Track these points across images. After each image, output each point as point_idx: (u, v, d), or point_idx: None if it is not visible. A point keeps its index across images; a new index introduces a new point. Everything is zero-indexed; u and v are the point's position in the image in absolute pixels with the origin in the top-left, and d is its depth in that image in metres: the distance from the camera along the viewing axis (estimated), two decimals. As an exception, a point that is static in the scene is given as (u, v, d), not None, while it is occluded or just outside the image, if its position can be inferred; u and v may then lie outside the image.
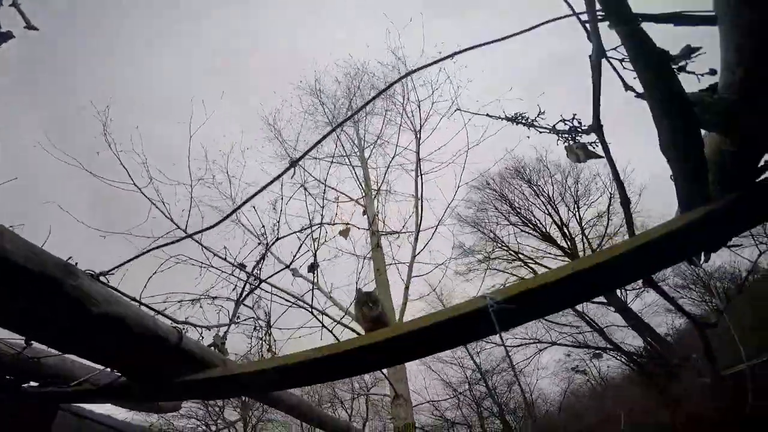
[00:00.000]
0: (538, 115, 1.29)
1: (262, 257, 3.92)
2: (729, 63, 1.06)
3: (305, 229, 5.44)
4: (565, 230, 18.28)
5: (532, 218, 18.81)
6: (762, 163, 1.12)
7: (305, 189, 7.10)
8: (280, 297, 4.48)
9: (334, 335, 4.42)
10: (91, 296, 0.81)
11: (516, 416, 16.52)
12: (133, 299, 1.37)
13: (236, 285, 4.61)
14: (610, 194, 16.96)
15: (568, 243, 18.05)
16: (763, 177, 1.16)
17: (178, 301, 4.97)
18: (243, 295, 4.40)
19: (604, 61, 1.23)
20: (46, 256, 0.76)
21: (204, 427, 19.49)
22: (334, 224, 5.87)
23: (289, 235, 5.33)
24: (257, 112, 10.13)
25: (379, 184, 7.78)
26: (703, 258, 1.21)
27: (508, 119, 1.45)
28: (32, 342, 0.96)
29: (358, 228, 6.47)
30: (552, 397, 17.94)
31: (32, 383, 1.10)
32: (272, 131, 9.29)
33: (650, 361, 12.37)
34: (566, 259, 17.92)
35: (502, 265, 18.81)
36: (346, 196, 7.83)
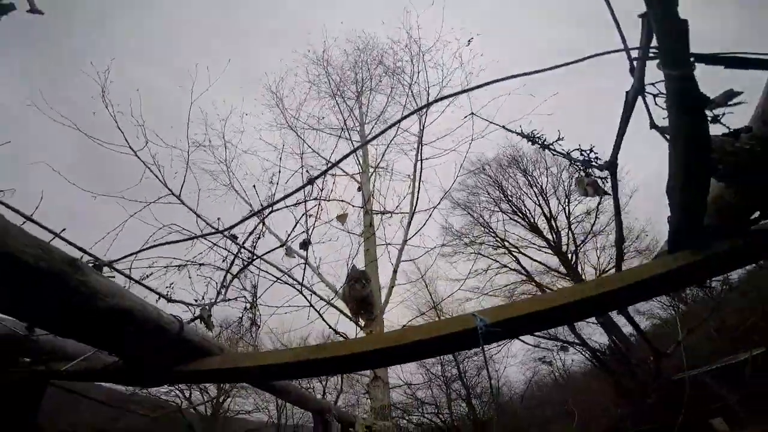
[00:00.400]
0: (557, 140, 1.29)
1: (259, 234, 3.91)
2: (765, 112, 1.06)
3: (300, 203, 5.42)
4: (553, 223, 18.67)
5: (523, 207, 19.15)
6: (756, 214, 1.16)
7: (302, 162, 7.02)
8: (269, 273, 4.51)
9: (320, 315, 4.51)
10: (98, 291, 0.81)
11: (482, 401, 17.38)
12: (139, 282, 1.40)
13: (225, 258, 4.62)
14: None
15: (554, 236, 18.47)
16: (757, 226, 1.21)
17: (164, 267, 4.96)
18: (233, 268, 4.41)
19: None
20: (54, 252, 0.75)
21: (178, 392, 19.94)
22: (329, 200, 5.86)
23: (283, 208, 5.31)
24: (260, 80, 9.77)
25: (377, 162, 7.71)
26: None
27: (524, 136, 1.44)
28: (35, 329, 0.97)
29: (353, 206, 6.47)
30: (517, 386, 18.92)
31: (24, 359, 1.12)
32: (274, 99, 9.00)
33: (612, 359, 13.08)
34: (549, 251, 18.39)
35: (487, 250, 19.24)
36: (343, 171, 7.76)
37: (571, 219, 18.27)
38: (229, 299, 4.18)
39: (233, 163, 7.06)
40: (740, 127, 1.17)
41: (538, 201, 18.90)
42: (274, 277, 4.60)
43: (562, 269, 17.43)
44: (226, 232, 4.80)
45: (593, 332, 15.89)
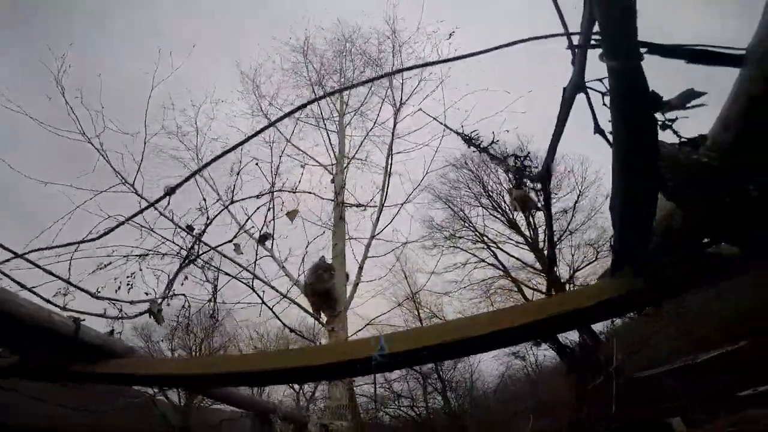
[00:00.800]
0: (492, 143, 1.12)
1: (201, 231, 3.65)
2: (730, 117, 0.89)
3: (262, 194, 5.15)
4: (531, 220, 18.87)
5: (503, 203, 19.24)
6: (706, 239, 1.02)
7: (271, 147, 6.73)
8: (220, 269, 4.27)
9: (274, 313, 4.31)
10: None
11: (457, 394, 17.58)
12: (31, 291, 1.49)
13: (179, 252, 4.33)
14: (579, 191, 17.46)
15: (531, 232, 18.67)
16: (711, 249, 1.08)
17: (124, 256, 4.64)
18: (186, 261, 4.14)
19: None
20: None
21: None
22: (295, 192, 5.60)
23: (246, 199, 5.03)
24: (238, 66, 9.33)
25: (352, 155, 7.48)
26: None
27: (462, 137, 1.27)
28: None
29: (322, 198, 6.24)
30: (490, 379, 19.21)
31: None
32: (249, 85, 8.58)
33: (579, 355, 13.35)
34: (526, 248, 18.60)
35: (466, 244, 19.31)
36: (315, 161, 7.50)
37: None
38: (176, 294, 3.93)
39: (203, 150, 6.71)
40: (697, 135, 1.02)
41: (518, 198, 19.07)
42: (228, 273, 4.36)
43: (537, 265, 17.67)
44: (181, 224, 4.52)
45: (566, 328, 16.16)
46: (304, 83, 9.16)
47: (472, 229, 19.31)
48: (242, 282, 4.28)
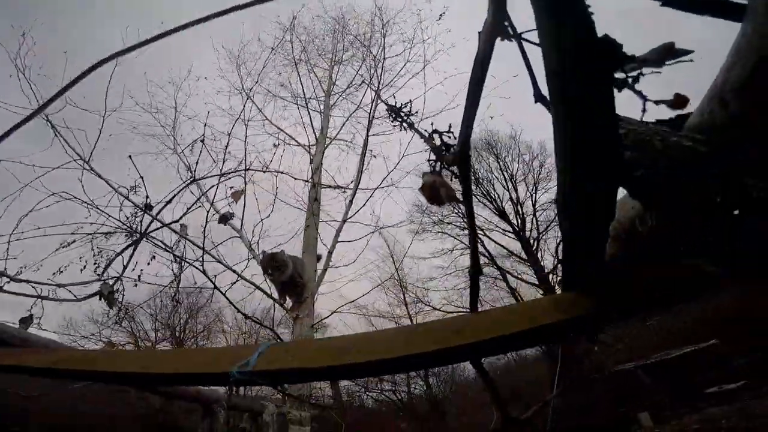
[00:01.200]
0: (409, 114, 0.86)
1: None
2: (726, 88, 0.65)
3: (230, 172, 4.82)
4: (519, 209, 18.86)
5: (492, 191, 19.16)
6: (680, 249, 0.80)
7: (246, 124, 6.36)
8: (183, 258, 3.98)
9: (227, 298, 4.07)
10: None
11: (438, 379, 17.84)
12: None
13: (133, 232, 4.02)
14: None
15: (519, 221, 18.69)
16: (679, 262, 0.85)
17: (88, 234, 4.31)
18: (135, 239, 3.84)
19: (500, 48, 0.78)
20: None
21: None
22: (265, 171, 5.29)
23: (210, 177, 4.71)
24: (221, 42, 8.79)
25: (331, 135, 7.15)
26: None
27: (389, 108, 1.01)
28: None
29: (294, 178, 5.95)
30: (469, 367, 19.54)
31: None
32: (233, 62, 8.08)
33: (559, 347, 13.57)
34: (513, 236, 18.62)
35: (454, 231, 19.29)
36: (294, 140, 7.16)
37: (537, 206, 18.52)
38: (126, 277, 3.65)
39: (179, 128, 6.34)
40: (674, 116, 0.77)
41: (507, 186, 18.96)
42: (184, 260, 4.08)
43: (523, 255, 17.74)
44: (140, 203, 4.20)
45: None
46: (289, 62, 8.70)
47: (460, 215, 19.25)
48: (191, 264, 4.01)
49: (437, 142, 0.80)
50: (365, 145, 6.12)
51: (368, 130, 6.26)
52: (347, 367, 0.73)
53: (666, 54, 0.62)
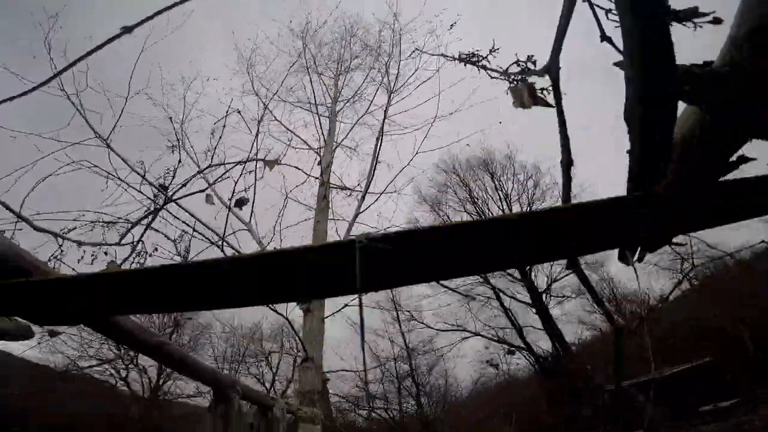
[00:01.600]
0: (491, 51, 1.00)
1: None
2: (739, 35, 0.80)
3: (242, 162, 4.92)
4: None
5: (487, 210, 19.43)
6: (734, 157, 0.92)
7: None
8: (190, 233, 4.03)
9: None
10: None
11: (430, 398, 17.50)
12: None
13: (148, 208, 4.06)
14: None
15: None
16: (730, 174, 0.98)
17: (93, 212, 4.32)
18: (149, 215, 3.88)
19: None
20: None
21: (113, 372, 18.61)
22: (279, 164, 5.40)
23: (224, 165, 4.79)
24: (236, 44, 9.07)
25: (340, 138, 7.33)
26: (637, 255, 1.01)
27: (460, 59, 1.15)
28: None
29: (306, 174, 6.06)
30: (464, 385, 19.26)
31: None
32: (244, 63, 8.30)
33: (553, 363, 13.52)
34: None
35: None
36: (303, 141, 7.31)
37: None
38: (139, 253, 3.66)
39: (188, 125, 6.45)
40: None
41: (502, 206, 19.26)
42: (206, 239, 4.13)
43: (517, 274, 17.84)
44: (155, 182, 4.25)
45: (539, 338, 16.40)
46: (301, 69, 8.95)
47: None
48: (207, 239, 4.04)
49: (514, 69, 0.93)
50: (378, 144, 6.28)
51: (381, 131, 6.45)
52: (454, 232, 0.79)
53: (693, 14, 0.79)
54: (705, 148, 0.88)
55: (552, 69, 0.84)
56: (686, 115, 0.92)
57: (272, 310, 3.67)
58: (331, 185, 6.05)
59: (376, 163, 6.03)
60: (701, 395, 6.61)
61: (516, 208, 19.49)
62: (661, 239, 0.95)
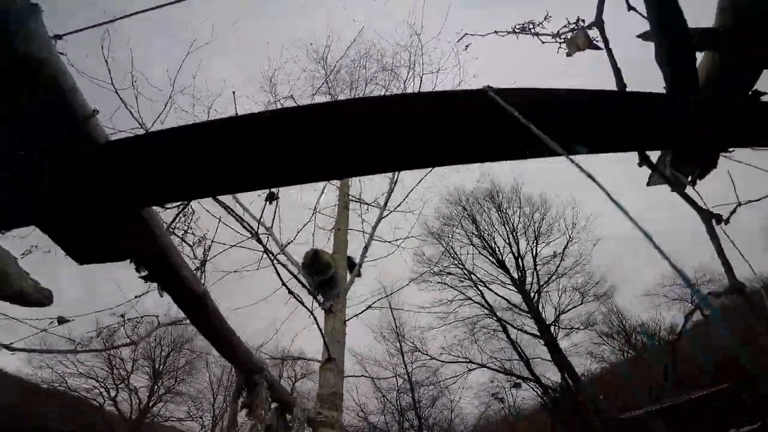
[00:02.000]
0: (545, 18, 1.31)
1: None
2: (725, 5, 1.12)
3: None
4: (520, 262, 19.05)
5: (493, 243, 19.52)
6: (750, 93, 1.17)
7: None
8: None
9: (276, 263, 4.25)
10: None
11: (433, 432, 16.81)
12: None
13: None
14: (569, 237, 17.92)
15: (519, 274, 18.80)
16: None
17: None
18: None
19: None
20: None
21: (103, 390, 18.14)
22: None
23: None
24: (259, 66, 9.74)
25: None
26: (695, 176, 1.18)
27: (514, 32, 1.45)
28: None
29: (331, 182, 6.37)
30: (469, 419, 18.48)
31: None
32: (266, 84, 8.89)
33: (561, 395, 13.07)
34: (513, 288, 18.64)
35: (453, 282, 19.28)
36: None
37: (538, 260, 18.77)
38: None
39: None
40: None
41: (509, 240, 19.37)
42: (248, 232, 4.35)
43: (524, 306, 17.66)
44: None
45: (547, 369, 15.94)
46: (319, 91, 9.46)
47: (460, 266, 19.40)
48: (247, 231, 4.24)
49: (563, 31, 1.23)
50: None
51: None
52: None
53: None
54: (722, 79, 1.15)
55: (598, 23, 1.14)
56: (703, 63, 1.20)
57: (298, 301, 3.76)
58: (351, 197, 6.34)
59: (396, 178, 6.34)
60: (722, 421, 6.45)
61: (522, 242, 19.56)
62: (701, 152, 1.16)
